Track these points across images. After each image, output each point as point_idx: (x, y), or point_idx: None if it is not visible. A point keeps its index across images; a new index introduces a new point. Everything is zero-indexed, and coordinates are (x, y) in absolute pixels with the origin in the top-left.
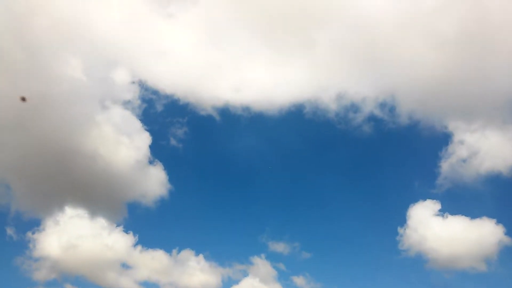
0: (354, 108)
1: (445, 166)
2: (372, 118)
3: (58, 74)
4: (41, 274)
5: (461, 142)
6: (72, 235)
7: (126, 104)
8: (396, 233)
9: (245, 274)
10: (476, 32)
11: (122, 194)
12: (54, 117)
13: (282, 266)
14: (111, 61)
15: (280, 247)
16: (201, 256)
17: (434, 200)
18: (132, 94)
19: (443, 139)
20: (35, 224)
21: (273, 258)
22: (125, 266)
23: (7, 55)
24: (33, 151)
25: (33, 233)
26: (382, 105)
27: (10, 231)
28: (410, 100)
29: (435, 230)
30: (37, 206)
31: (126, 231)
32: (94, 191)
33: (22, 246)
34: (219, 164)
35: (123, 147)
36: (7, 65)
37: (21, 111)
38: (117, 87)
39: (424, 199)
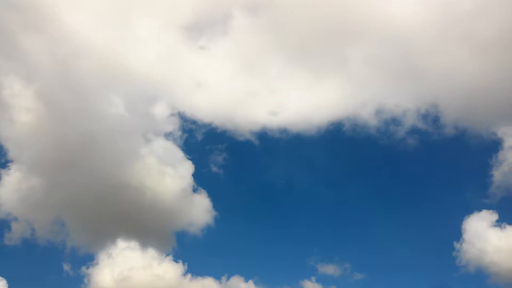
0: (395, 121)
1: (497, 174)
2: (415, 131)
3: (103, 112)
4: None
5: None
6: (125, 267)
7: (167, 135)
8: (453, 249)
9: None
10: None
11: (170, 224)
12: (101, 154)
13: None
14: (150, 97)
15: (330, 269)
16: (250, 282)
17: (490, 211)
18: (172, 125)
19: (493, 146)
20: (89, 259)
21: (324, 280)
22: None
23: (55, 97)
24: (84, 187)
25: (88, 267)
26: (425, 116)
27: (66, 267)
28: (454, 109)
29: (494, 242)
30: (90, 241)
31: (175, 260)
32: (143, 223)
33: (78, 281)
34: (261, 187)
35: (168, 177)
36: (56, 106)
37: (71, 150)
38: (158, 120)
39: (479, 210)
